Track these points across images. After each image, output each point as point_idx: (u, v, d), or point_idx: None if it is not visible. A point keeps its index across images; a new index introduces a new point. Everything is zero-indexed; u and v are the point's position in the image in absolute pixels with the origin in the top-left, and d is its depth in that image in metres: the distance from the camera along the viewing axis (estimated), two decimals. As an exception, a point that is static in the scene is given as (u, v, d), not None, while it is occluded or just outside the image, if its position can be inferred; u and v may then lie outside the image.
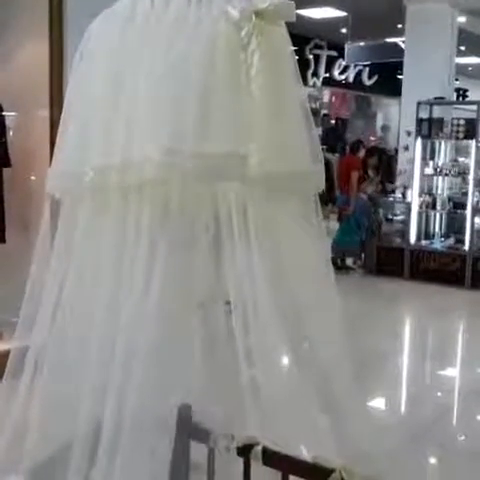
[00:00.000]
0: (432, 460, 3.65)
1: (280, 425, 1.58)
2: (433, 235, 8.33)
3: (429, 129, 7.78)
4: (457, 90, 9.87)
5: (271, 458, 1.70)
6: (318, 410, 1.57)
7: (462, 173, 7.91)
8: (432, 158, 7.95)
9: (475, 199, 7.70)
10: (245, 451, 1.72)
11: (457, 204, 8.07)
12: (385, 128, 15.78)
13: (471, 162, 7.65)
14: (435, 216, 8.30)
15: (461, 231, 7.99)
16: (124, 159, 1.26)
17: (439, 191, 8.18)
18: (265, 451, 1.69)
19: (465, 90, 10.31)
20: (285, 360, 1.51)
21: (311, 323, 1.46)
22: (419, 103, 7.81)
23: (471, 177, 7.64)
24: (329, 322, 1.50)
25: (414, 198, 7.94)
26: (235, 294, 1.36)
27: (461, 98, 10.02)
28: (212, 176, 1.24)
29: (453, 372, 5.39)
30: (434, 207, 8.10)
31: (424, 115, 7.86)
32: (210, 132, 1.23)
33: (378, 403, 4.39)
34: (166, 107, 1.25)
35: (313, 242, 1.42)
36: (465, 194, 7.86)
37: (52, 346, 1.39)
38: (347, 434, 1.58)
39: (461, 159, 8.16)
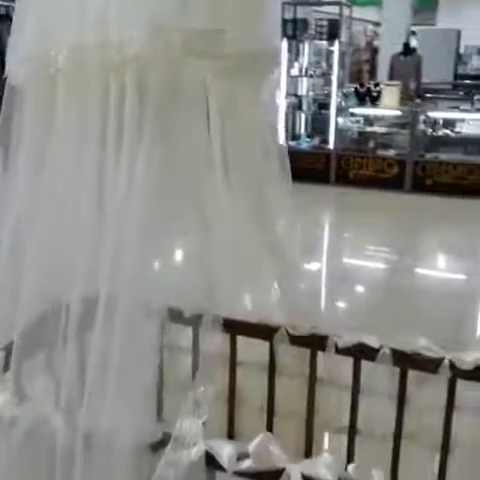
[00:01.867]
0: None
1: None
2: (299, 136, 8.65)
3: (294, 30, 7.95)
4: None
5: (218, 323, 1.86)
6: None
7: (326, 74, 8.22)
8: (297, 59, 8.17)
9: (338, 100, 8.06)
10: (196, 320, 1.87)
11: (322, 105, 8.42)
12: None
13: (334, 63, 7.95)
14: (301, 117, 8.61)
15: (325, 131, 8.37)
16: (103, 37, 1.27)
17: (304, 92, 8.46)
18: (214, 319, 1.85)
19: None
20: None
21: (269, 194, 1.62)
22: (283, 4, 7.92)
23: (334, 78, 7.96)
24: (281, 192, 1.65)
25: (281, 100, 8.16)
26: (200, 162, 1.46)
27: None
28: (198, 52, 1.29)
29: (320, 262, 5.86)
30: (300, 108, 8.40)
31: (288, 16, 8.00)
32: (190, 9, 1.28)
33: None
34: None
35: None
36: (329, 95, 8.19)
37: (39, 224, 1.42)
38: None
39: (324, 60, 8.45)
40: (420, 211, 8.14)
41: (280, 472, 1.22)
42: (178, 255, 1.72)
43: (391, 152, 8.33)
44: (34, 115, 1.41)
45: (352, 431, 1.81)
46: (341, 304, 1.78)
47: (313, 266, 5.28)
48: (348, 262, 5.91)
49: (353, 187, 8.27)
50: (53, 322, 1.43)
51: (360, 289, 5.06)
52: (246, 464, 1.24)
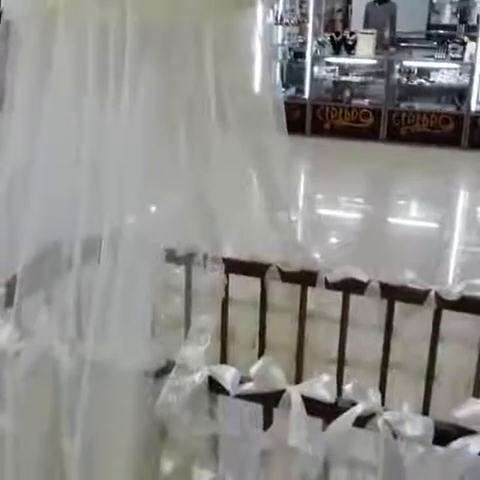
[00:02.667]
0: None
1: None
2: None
3: (269, -23, 7.82)
4: None
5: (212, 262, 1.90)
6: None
7: (301, 22, 8.14)
8: (272, 7, 8.07)
9: (313, 49, 8.01)
10: (189, 259, 1.91)
11: (297, 54, 8.36)
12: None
13: (310, 11, 7.88)
14: (276, 66, 8.54)
15: (301, 81, 8.33)
16: None
17: (280, 41, 8.39)
18: (206, 257, 1.89)
19: None
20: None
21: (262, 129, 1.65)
22: None
23: (310, 26, 7.89)
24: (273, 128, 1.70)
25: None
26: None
27: None
28: None
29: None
30: (275, 57, 8.33)
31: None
32: None
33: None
34: None
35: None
36: (304, 44, 8.13)
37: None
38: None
39: (299, 8, 8.37)
40: (395, 160, 8.22)
41: (280, 394, 1.28)
42: (174, 196, 1.74)
43: (366, 102, 8.35)
44: (31, 51, 1.41)
45: (341, 362, 1.88)
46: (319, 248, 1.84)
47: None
48: (324, 211, 5.98)
49: (329, 137, 8.30)
50: (54, 258, 1.45)
51: (337, 234, 5.13)
52: (248, 387, 1.30)
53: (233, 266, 1.91)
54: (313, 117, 8.39)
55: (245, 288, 1.99)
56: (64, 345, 1.42)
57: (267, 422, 1.34)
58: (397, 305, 1.79)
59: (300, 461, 1.28)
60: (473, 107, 8.31)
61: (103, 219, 1.40)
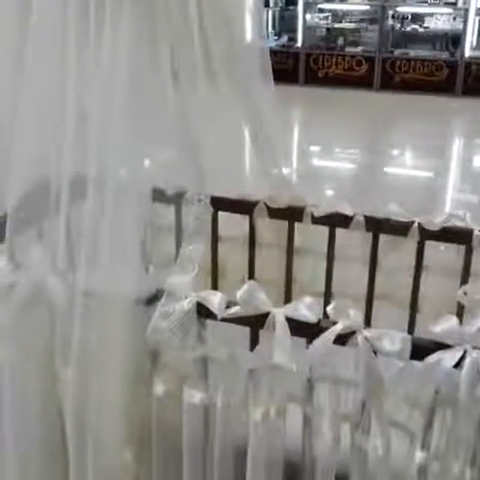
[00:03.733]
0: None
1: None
2: (267, 34, 8.50)
3: None
4: None
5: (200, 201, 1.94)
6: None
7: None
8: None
9: (306, -5, 7.92)
10: (178, 198, 1.95)
11: (289, 1, 8.26)
12: None
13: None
14: (268, 14, 8.45)
15: (293, 29, 8.25)
16: None
17: (271, -12, 8.29)
18: (194, 195, 1.93)
19: None
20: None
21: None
22: None
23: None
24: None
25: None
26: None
27: None
28: None
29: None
30: (267, 5, 8.23)
31: None
32: None
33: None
34: None
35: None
36: (296, -10, 8.03)
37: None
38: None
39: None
40: (388, 109, 8.19)
41: (265, 316, 1.34)
42: (162, 136, 1.76)
43: (360, 49, 8.29)
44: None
45: (327, 294, 1.94)
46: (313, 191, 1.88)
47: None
48: (318, 161, 6.00)
49: (323, 86, 8.26)
50: (44, 197, 1.49)
51: (330, 183, 5.17)
52: (234, 310, 1.36)
53: (222, 204, 1.95)
54: (306, 66, 8.33)
55: (234, 226, 2.03)
56: (57, 277, 1.47)
57: (253, 343, 1.41)
58: (382, 237, 1.84)
59: (285, 378, 1.35)
60: (467, 53, 8.26)
61: (91, 158, 1.43)
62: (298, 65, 8.26)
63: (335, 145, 6.65)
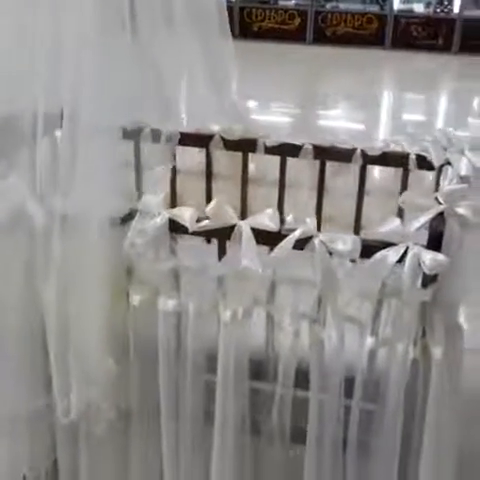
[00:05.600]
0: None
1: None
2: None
3: None
4: None
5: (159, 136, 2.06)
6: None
7: None
8: None
9: None
10: (134, 134, 2.07)
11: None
12: None
13: None
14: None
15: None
16: None
17: None
18: (154, 131, 2.05)
19: None
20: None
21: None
22: None
23: None
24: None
25: None
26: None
27: None
28: None
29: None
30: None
31: None
32: None
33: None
34: None
35: None
36: None
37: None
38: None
39: None
40: (321, 62, 8.37)
41: (232, 228, 1.49)
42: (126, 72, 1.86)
43: (293, 2, 8.40)
44: None
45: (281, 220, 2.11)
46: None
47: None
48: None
49: (257, 40, 8.35)
50: (16, 130, 1.59)
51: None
52: (204, 223, 1.51)
53: (179, 138, 2.08)
54: (241, 19, 8.40)
55: (191, 159, 2.17)
56: (36, 201, 1.58)
57: (221, 254, 1.57)
58: (328, 164, 2.02)
59: (251, 283, 1.52)
60: (396, 6, 8.48)
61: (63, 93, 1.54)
62: (232, 19, 8.31)
63: (269, 99, 6.79)
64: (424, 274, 1.38)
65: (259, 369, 1.65)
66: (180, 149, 2.11)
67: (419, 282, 1.40)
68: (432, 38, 8.92)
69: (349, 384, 1.55)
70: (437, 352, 1.42)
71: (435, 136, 1.84)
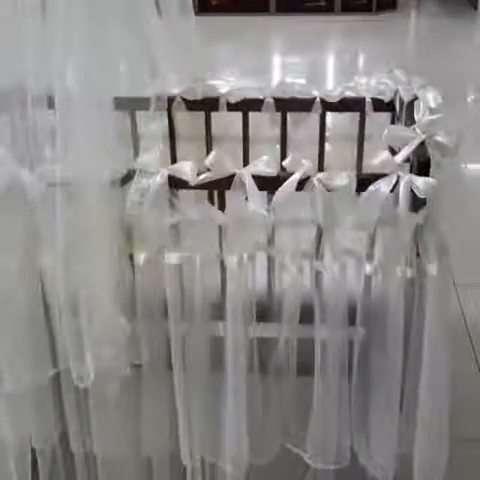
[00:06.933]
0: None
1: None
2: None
3: None
4: None
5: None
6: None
7: None
8: None
9: None
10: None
11: None
12: None
13: None
14: None
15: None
16: None
17: None
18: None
19: None
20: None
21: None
22: None
23: None
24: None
25: None
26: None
27: None
28: None
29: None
30: None
31: None
32: None
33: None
34: None
35: None
36: None
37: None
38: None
39: None
40: (208, 32, 8.38)
41: (233, 176, 1.56)
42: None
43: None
44: None
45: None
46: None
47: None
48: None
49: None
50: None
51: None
52: (205, 176, 1.56)
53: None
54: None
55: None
56: (30, 171, 1.58)
57: (221, 205, 1.63)
58: (289, 115, 2.12)
59: (254, 228, 1.60)
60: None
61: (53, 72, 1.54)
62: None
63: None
64: (415, 199, 1.52)
65: (264, 311, 1.75)
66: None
67: (411, 206, 1.53)
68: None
69: (351, 313, 1.68)
70: (432, 268, 1.56)
71: (395, 76, 1.98)
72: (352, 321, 1.69)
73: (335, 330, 1.68)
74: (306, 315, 1.69)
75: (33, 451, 1.92)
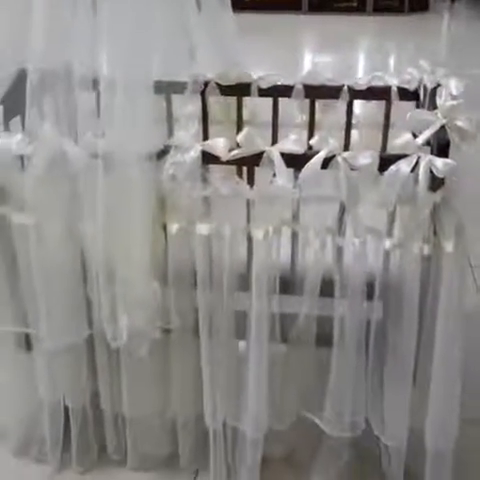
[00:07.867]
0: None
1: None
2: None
3: None
4: None
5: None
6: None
7: None
8: None
9: None
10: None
11: None
12: None
13: None
14: None
15: None
16: None
17: None
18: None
19: None
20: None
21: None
22: None
23: None
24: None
25: None
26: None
27: None
28: None
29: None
30: None
31: None
32: None
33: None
34: None
35: None
36: None
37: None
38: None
39: None
40: (241, 29, 8.50)
41: (262, 153, 1.67)
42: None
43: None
44: None
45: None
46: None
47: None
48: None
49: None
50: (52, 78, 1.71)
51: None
52: (235, 152, 1.67)
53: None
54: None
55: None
56: (74, 144, 1.70)
57: (250, 180, 1.74)
58: (317, 102, 2.22)
59: (280, 203, 1.70)
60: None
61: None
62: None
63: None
64: (434, 179, 1.60)
65: (287, 283, 1.85)
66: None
67: (429, 186, 1.62)
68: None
69: (369, 287, 1.77)
70: (448, 246, 1.65)
71: (420, 66, 2.07)
72: (370, 296, 1.78)
73: (354, 304, 1.77)
74: (327, 289, 1.79)
75: (66, 409, 2.04)
